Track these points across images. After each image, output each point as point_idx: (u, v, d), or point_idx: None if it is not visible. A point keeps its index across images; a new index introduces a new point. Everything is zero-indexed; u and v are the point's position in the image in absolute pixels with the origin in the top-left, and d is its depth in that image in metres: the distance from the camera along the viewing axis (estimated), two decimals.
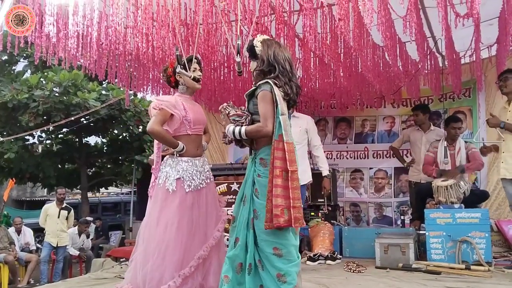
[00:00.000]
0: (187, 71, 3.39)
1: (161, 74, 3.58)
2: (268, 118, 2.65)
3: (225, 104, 2.96)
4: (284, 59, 2.77)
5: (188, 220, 3.18)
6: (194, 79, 3.44)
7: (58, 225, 8.39)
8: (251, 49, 2.85)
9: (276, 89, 2.67)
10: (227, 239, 3.08)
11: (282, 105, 2.67)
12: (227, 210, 4.90)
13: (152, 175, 3.39)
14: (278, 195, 2.54)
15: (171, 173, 3.24)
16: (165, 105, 3.22)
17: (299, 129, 4.73)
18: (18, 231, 8.98)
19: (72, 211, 8.95)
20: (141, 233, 3.29)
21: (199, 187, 3.28)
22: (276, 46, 2.82)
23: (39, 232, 10.72)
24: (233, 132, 2.78)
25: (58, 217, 8.42)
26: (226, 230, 5.05)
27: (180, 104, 3.30)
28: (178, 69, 3.37)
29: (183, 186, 3.21)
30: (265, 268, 2.63)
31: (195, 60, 3.45)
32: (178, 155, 3.28)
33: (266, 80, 2.71)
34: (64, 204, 8.77)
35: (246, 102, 2.86)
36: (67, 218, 8.61)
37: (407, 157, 6.65)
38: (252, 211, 2.69)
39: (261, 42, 2.83)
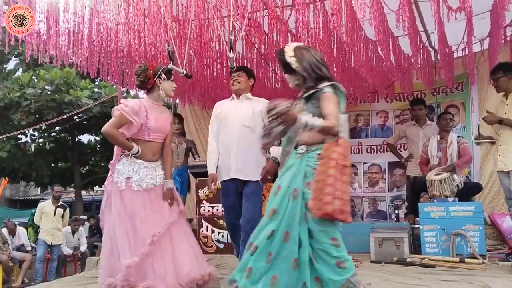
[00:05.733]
0: (179, 68, 3.38)
1: (137, 73, 3.50)
2: (337, 118, 2.68)
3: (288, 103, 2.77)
4: (319, 65, 2.79)
5: (142, 218, 3.26)
6: (186, 75, 3.44)
7: (53, 223, 8.35)
8: (286, 65, 2.84)
9: (338, 90, 2.75)
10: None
11: (343, 105, 2.76)
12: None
13: (110, 170, 3.52)
14: (329, 184, 2.56)
15: (122, 172, 3.36)
16: (125, 111, 3.30)
17: (252, 111, 3.73)
18: (12, 234, 8.91)
19: (68, 209, 8.91)
20: (105, 229, 3.44)
21: (149, 187, 3.36)
22: (307, 54, 2.81)
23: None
24: (307, 123, 2.66)
25: (54, 215, 8.37)
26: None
27: (143, 111, 3.36)
28: (171, 66, 3.38)
29: (131, 185, 3.31)
30: (321, 259, 2.63)
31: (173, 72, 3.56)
32: (131, 156, 3.37)
33: (332, 83, 2.76)
34: (60, 202, 8.73)
35: (302, 104, 2.82)
36: (62, 216, 8.57)
37: (401, 151, 6.66)
38: (306, 204, 2.68)
39: (294, 57, 2.80)
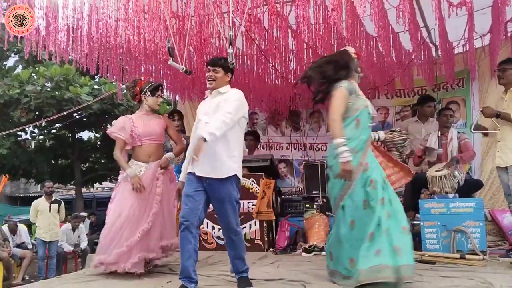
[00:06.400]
0: (179, 64, 3.38)
1: (128, 88, 4.16)
2: None
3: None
4: None
5: (133, 203, 3.85)
6: (186, 72, 3.47)
7: (50, 219, 8.33)
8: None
9: None
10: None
11: None
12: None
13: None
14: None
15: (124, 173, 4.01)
16: (114, 131, 4.00)
17: (215, 106, 3.38)
18: (13, 233, 8.90)
19: (63, 203, 8.87)
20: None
21: (142, 173, 3.93)
22: None
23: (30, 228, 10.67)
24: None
25: (50, 211, 8.34)
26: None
27: (129, 123, 3.99)
28: (170, 62, 3.38)
29: (126, 179, 3.94)
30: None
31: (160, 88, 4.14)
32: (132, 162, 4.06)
33: None
34: (54, 198, 8.70)
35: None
36: (58, 211, 8.54)
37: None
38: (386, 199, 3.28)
39: None
